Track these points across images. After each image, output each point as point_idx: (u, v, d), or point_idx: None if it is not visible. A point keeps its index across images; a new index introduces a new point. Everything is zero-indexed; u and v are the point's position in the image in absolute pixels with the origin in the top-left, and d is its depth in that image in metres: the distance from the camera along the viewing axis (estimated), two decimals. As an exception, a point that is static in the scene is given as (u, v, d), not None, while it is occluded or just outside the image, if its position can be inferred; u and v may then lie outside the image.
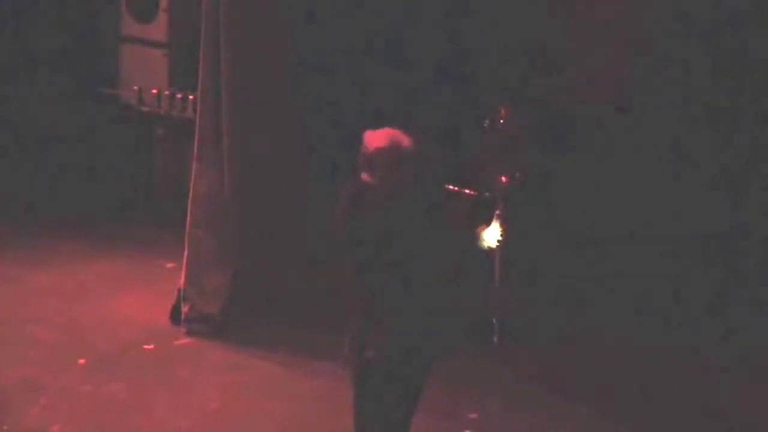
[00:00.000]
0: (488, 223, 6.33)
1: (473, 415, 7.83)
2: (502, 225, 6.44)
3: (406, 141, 5.80)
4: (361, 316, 5.87)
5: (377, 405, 5.93)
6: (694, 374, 8.40)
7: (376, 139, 5.80)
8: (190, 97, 10.46)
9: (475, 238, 6.25)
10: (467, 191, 8.75)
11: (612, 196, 9.27)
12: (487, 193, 8.78)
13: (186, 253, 8.98)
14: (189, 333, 8.91)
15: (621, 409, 7.98)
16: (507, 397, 8.09)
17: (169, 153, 10.94)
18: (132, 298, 9.49)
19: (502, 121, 8.84)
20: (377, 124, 5.92)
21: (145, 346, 8.71)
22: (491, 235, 6.22)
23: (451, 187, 8.86)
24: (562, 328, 8.95)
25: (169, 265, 9.89)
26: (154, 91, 10.89)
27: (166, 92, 10.85)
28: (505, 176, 8.80)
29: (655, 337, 8.81)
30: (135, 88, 11.02)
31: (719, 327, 8.76)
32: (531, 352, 8.70)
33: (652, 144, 9.20)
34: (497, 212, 6.54)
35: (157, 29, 11.05)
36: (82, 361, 8.43)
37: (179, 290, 9.01)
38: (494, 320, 8.80)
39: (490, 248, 6.30)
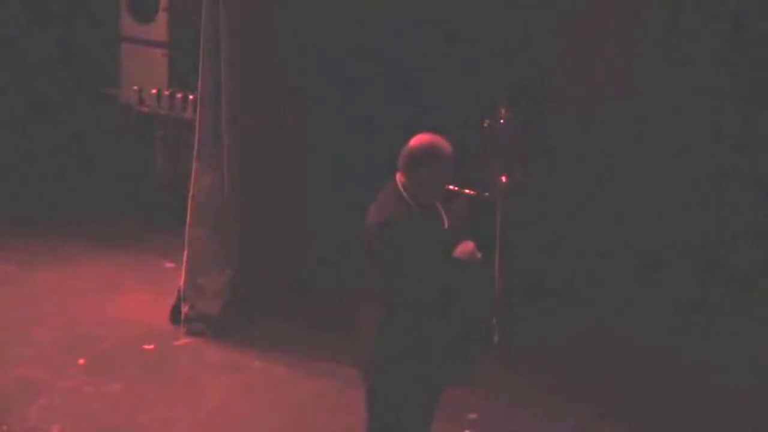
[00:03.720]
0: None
1: (473, 415, 7.82)
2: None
3: (445, 144, 5.94)
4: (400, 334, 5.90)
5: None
6: (693, 375, 8.40)
7: (417, 138, 5.96)
8: (190, 97, 10.47)
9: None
10: (467, 191, 8.75)
11: (611, 196, 9.26)
12: (486, 193, 8.79)
13: (186, 253, 8.98)
14: (189, 333, 8.91)
15: (621, 409, 7.98)
16: (507, 397, 8.09)
17: (169, 153, 10.94)
18: (132, 298, 9.49)
19: (502, 121, 8.83)
20: (376, 123, 5.97)
21: (145, 346, 8.71)
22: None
23: (451, 187, 8.85)
24: (562, 328, 8.95)
25: (169, 265, 9.90)
26: (154, 91, 10.90)
27: (166, 92, 10.86)
28: (505, 176, 8.80)
29: (655, 338, 8.81)
30: (135, 88, 11.03)
31: (720, 328, 8.75)
32: (531, 352, 8.70)
33: (650, 145, 9.19)
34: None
35: (157, 29, 11.06)
36: (82, 361, 8.43)
37: (179, 290, 9.02)
38: (494, 320, 8.80)
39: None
